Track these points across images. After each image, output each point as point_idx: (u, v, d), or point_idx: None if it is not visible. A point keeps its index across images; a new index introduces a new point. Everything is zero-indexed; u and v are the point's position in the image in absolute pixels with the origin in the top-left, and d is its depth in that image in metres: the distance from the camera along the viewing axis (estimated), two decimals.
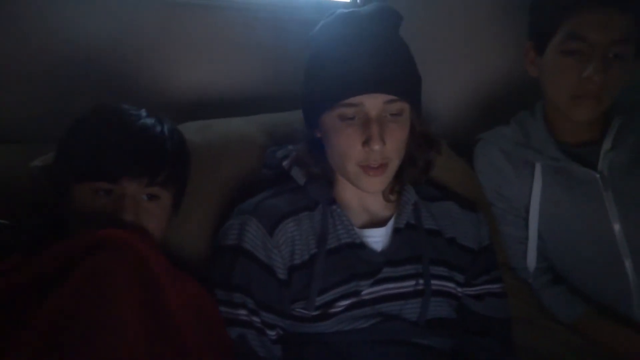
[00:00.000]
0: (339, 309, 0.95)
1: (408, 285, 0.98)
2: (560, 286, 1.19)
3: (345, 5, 1.44)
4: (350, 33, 0.93)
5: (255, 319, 0.93)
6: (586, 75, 1.08)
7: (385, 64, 0.91)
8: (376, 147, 0.90)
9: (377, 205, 1.03)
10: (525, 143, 1.22)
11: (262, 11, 1.31)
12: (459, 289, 1.04)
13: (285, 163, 1.04)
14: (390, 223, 1.02)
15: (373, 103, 0.91)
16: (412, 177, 1.03)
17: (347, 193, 1.02)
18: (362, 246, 0.98)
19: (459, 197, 1.12)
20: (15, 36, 1.14)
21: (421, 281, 0.99)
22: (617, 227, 1.13)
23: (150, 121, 0.94)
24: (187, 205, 1.06)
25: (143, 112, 0.96)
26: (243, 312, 0.93)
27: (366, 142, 0.91)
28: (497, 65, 1.43)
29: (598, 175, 1.15)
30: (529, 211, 1.20)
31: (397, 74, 0.92)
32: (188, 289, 0.86)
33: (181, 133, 1.01)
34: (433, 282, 1.00)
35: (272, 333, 0.94)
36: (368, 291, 0.96)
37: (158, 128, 0.94)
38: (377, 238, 1.00)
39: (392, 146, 0.93)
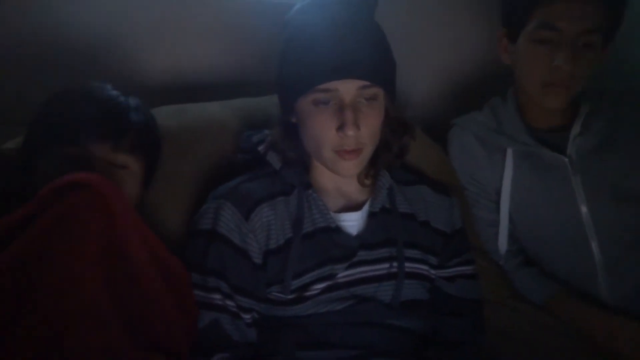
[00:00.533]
0: (315, 292, 0.96)
1: (382, 268, 1.00)
2: (531, 268, 1.22)
3: None
4: (326, 18, 0.92)
5: (230, 303, 0.93)
6: (556, 64, 1.10)
7: (360, 49, 0.91)
8: (350, 132, 0.91)
9: (353, 190, 1.04)
10: (498, 128, 1.24)
11: None
12: (432, 271, 1.06)
13: (260, 148, 1.04)
14: (366, 207, 1.03)
15: (347, 89, 0.91)
16: (387, 161, 1.05)
17: (323, 178, 1.03)
18: (338, 230, 0.99)
19: (432, 181, 1.14)
20: None
21: (395, 264, 1.00)
22: (584, 209, 1.16)
23: (114, 92, 0.98)
24: (161, 190, 1.06)
25: (108, 86, 0.99)
26: (217, 296, 0.93)
27: (340, 128, 0.91)
28: (472, 52, 1.45)
29: (567, 160, 1.18)
30: (501, 195, 1.23)
31: (372, 59, 0.92)
32: (152, 243, 0.87)
33: (149, 110, 1.03)
34: (407, 264, 1.01)
35: (247, 317, 0.95)
36: (343, 274, 0.98)
37: (121, 98, 0.97)
38: (352, 222, 1.02)
39: (366, 132, 0.93)
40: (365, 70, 0.91)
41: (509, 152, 1.22)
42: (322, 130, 0.93)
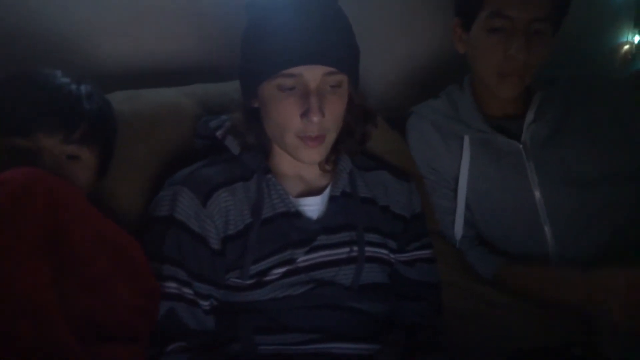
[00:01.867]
0: (274, 277, 0.95)
1: (342, 252, 1.00)
2: (482, 246, 1.24)
3: None
4: (291, 1, 0.91)
5: (187, 290, 0.92)
6: (510, 53, 1.12)
7: (327, 35, 0.90)
8: (315, 119, 0.90)
9: (313, 175, 1.04)
10: (454, 116, 1.26)
11: None
12: (392, 255, 1.06)
13: (218, 133, 1.02)
14: (326, 191, 1.03)
15: (313, 74, 0.90)
16: (349, 148, 1.05)
17: (283, 163, 1.02)
18: (298, 215, 0.99)
19: (392, 167, 1.15)
20: None
21: (355, 248, 1.01)
22: (537, 194, 1.19)
23: (65, 80, 0.94)
24: (116, 176, 1.04)
25: (59, 73, 0.95)
26: (172, 284, 0.91)
27: (305, 114, 0.91)
28: (430, 40, 1.46)
29: (521, 146, 1.20)
30: (458, 182, 1.25)
31: (338, 45, 0.91)
32: (104, 229, 0.84)
33: (103, 96, 0.99)
34: (367, 249, 1.02)
35: (205, 303, 0.94)
36: (303, 259, 0.97)
37: (73, 86, 0.93)
38: (312, 206, 1.01)
39: (330, 118, 0.93)
40: (332, 56, 0.90)
41: (466, 140, 1.23)
42: (286, 116, 0.92)
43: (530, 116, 1.22)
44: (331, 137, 0.96)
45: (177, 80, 1.21)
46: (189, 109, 1.13)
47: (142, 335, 0.87)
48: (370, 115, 1.04)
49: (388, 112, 1.35)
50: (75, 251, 0.79)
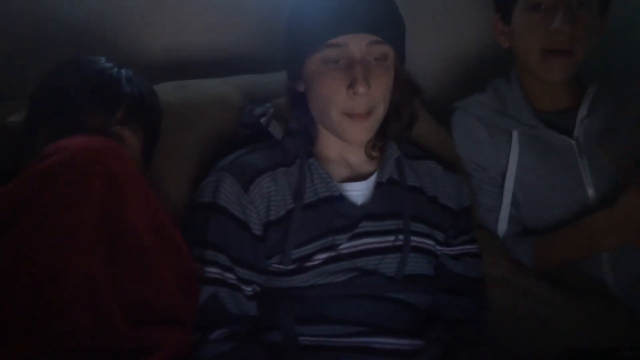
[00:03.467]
0: (315, 262, 0.94)
1: (387, 240, 0.98)
2: (523, 236, 1.21)
3: None
4: None
5: (230, 275, 0.92)
6: (555, 26, 1.09)
7: (370, 5, 0.91)
8: (361, 89, 0.89)
9: (359, 160, 1.03)
10: (502, 110, 1.23)
11: None
12: (438, 247, 1.04)
13: (263, 119, 1.03)
14: (373, 177, 1.02)
15: (357, 44, 0.90)
16: (396, 131, 1.03)
17: (328, 146, 1.01)
18: (341, 199, 0.98)
19: (441, 158, 1.13)
20: None
21: (401, 237, 0.99)
22: (591, 192, 1.14)
23: (107, 65, 0.97)
24: (163, 164, 1.06)
25: (102, 59, 0.98)
26: (214, 269, 0.92)
27: (351, 86, 0.90)
28: (476, 33, 1.43)
29: (574, 142, 1.16)
30: (505, 178, 1.21)
31: (381, 16, 0.92)
32: (157, 214, 0.86)
33: (146, 83, 1.02)
34: (412, 238, 1.00)
35: (248, 289, 0.94)
36: (346, 245, 0.96)
37: (114, 70, 0.96)
38: (357, 192, 1.00)
39: (377, 91, 0.92)
40: (376, 25, 0.90)
41: (515, 135, 1.20)
42: (332, 90, 0.92)
43: (583, 110, 1.18)
44: (379, 113, 0.95)
45: (222, 71, 1.22)
46: (234, 100, 1.14)
47: (187, 318, 0.87)
48: (418, 90, 1.02)
49: (433, 106, 1.33)
50: (129, 233, 0.81)
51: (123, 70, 0.98)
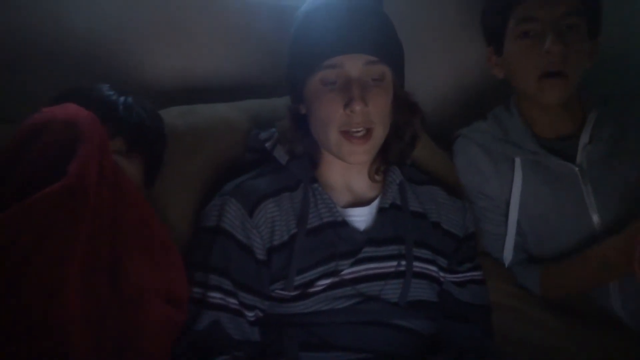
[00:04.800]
0: (318, 288, 0.94)
1: (390, 265, 0.98)
2: (528, 264, 1.20)
3: None
4: (331, 1, 0.95)
5: (232, 300, 0.92)
6: (546, 48, 1.10)
7: (366, 26, 0.93)
8: (357, 107, 0.90)
9: (362, 185, 1.03)
10: (504, 137, 1.23)
11: None
12: (441, 274, 1.04)
13: (268, 144, 1.04)
14: (375, 202, 1.02)
15: (354, 64, 0.92)
16: (398, 152, 1.03)
17: (332, 172, 1.02)
18: (344, 224, 0.98)
19: (444, 183, 1.13)
20: None
21: (403, 262, 0.99)
22: (595, 218, 1.14)
23: (108, 94, 0.98)
24: (168, 188, 1.06)
25: (105, 87, 0.99)
26: (217, 294, 0.92)
27: (347, 104, 0.91)
28: (477, 60, 1.45)
29: (577, 169, 1.16)
30: (509, 206, 1.21)
31: (378, 37, 0.94)
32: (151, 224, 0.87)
33: (149, 109, 1.02)
34: (415, 264, 0.99)
35: (250, 314, 0.93)
36: (348, 271, 0.96)
37: (113, 98, 0.97)
38: (360, 217, 1.00)
39: (375, 110, 0.93)
40: (371, 45, 0.92)
41: (517, 162, 1.20)
42: (330, 109, 0.93)
43: (585, 137, 1.18)
44: (378, 134, 0.95)
45: (230, 95, 1.23)
46: (240, 124, 1.15)
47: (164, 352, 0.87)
48: (418, 110, 1.02)
49: (435, 133, 1.33)
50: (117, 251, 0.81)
51: (122, 98, 0.98)
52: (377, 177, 1.03)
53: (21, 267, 0.74)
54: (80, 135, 0.80)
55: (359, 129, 0.93)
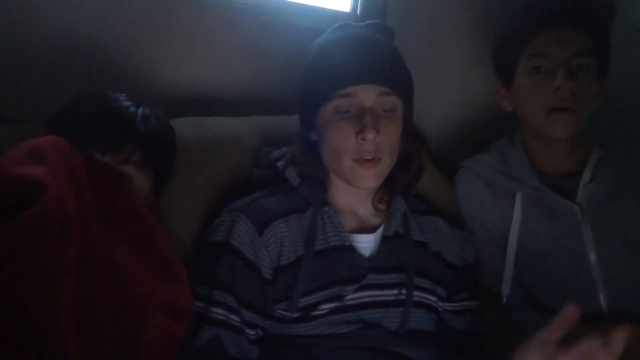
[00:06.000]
0: (321, 312, 0.94)
1: (391, 293, 0.99)
2: (528, 304, 1.20)
3: (342, 15, 1.50)
4: (349, 35, 0.99)
5: (234, 317, 0.92)
6: (556, 84, 1.12)
7: (380, 60, 0.96)
8: (370, 136, 0.92)
9: (367, 212, 1.04)
10: (506, 171, 1.24)
11: (257, 13, 1.33)
12: (440, 303, 1.05)
13: (279, 163, 1.04)
14: (380, 230, 1.03)
15: (367, 94, 0.95)
16: (404, 183, 1.05)
17: (339, 197, 1.03)
18: (351, 249, 0.99)
19: (445, 213, 1.14)
20: (11, 25, 1.13)
21: (404, 291, 0.99)
22: (593, 258, 1.15)
23: (125, 103, 0.97)
24: (174, 201, 1.06)
25: (122, 96, 0.98)
26: (220, 310, 0.91)
27: (360, 132, 0.93)
28: (482, 92, 1.47)
29: (577, 208, 1.17)
30: (508, 239, 1.22)
31: (390, 69, 0.97)
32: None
33: (163, 120, 1.02)
34: (415, 293, 1.00)
35: (251, 332, 0.93)
36: (352, 296, 0.96)
37: (131, 109, 0.96)
38: (365, 244, 1.01)
39: (385, 140, 0.95)
40: (385, 77, 0.95)
41: (518, 197, 1.21)
42: (343, 137, 0.95)
43: (587, 175, 1.19)
44: (387, 162, 0.97)
45: (237, 108, 1.24)
46: (249, 139, 1.16)
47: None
48: (425, 143, 1.06)
49: (438, 164, 1.35)
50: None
51: (140, 109, 0.97)
52: (381, 206, 1.04)
53: (17, 279, 0.72)
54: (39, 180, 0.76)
55: (370, 157, 0.95)
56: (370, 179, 0.97)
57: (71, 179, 0.78)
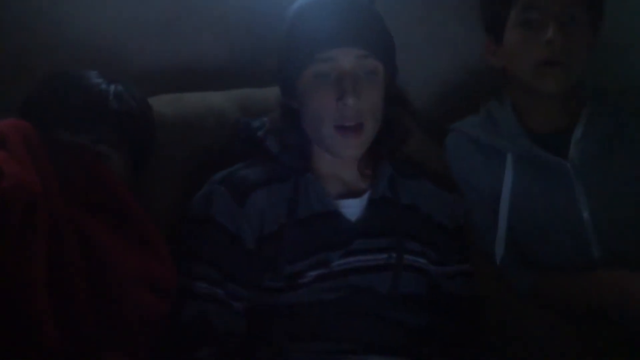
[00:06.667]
0: (308, 279, 0.93)
1: (380, 258, 0.98)
2: (520, 263, 1.19)
3: None
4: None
5: (219, 290, 0.91)
6: (547, 38, 1.11)
7: (358, 21, 0.94)
8: (350, 100, 0.91)
9: (353, 177, 1.03)
10: (495, 132, 1.23)
11: None
12: (431, 266, 1.03)
13: (259, 133, 1.03)
14: (367, 194, 1.01)
15: (346, 57, 0.93)
16: (389, 147, 1.04)
17: (322, 163, 1.01)
18: (336, 215, 0.97)
19: (435, 176, 1.13)
20: None
21: (393, 255, 0.98)
22: (585, 215, 1.14)
23: (96, 80, 0.95)
24: (155, 177, 1.05)
25: (93, 74, 0.96)
26: (204, 284, 0.91)
27: (340, 98, 0.92)
28: (468, 55, 1.45)
29: (569, 165, 1.16)
30: (500, 200, 1.21)
31: (370, 32, 0.95)
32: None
33: (138, 97, 1.00)
34: (406, 256, 0.99)
35: (237, 304, 0.92)
36: (338, 262, 0.95)
37: (103, 87, 0.94)
38: (351, 209, 1.00)
39: (366, 105, 0.93)
40: (364, 40, 0.93)
41: (509, 157, 1.20)
42: (323, 103, 0.93)
43: (578, 132, 1.18)
44: (369, 128, 0.96)
45: (221, 83, 1.22)
46: (230, 113, 1.14)
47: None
48: (409, 107, 1.05)
49: (428, 127, 1.33)
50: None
51: (112, 87, 0.96)
52: (367, 171, 1.03)
53: None
54: None
55: (352, 124, 0.94)
56: (352, 148, 0.96)
57: (33, 162, 0.77)
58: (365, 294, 0.95)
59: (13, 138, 0.79)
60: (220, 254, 0.92)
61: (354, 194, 1.01)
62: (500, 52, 1.21)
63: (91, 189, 0.85)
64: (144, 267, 0.85)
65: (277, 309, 0.94)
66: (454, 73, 1.47)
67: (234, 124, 1.11)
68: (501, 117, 1.23)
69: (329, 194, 0.99)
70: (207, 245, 0.92)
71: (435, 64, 1.46)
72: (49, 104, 0.92)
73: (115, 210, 0.86)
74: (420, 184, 1.08)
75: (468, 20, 1.35)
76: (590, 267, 1.12)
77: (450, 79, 1.47)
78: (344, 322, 0.93)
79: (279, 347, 0.91)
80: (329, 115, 0.93)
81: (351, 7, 0.95)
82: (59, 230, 0.76)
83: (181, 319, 0.89)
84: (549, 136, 1.20)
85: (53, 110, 0.90)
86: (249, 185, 0.96)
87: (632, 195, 1.13)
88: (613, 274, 1.06)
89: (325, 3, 0.96)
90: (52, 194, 0.77)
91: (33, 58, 1.16)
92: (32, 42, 1.16)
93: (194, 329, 0.89)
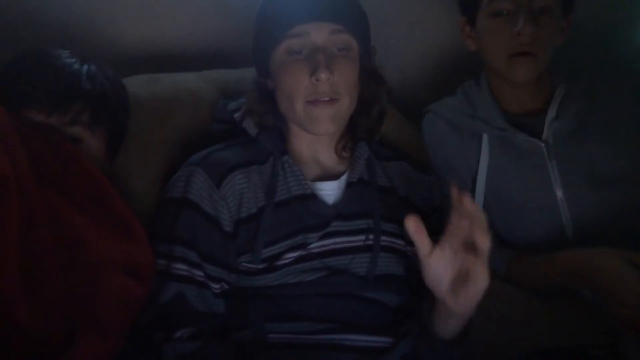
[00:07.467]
0: (286, 261, 0.94)
1: (358, 239, 0.98)
2: (495, 244, 1.20)
3: None
4: None
5: (198, 272, 0.91)
6: (517, 30, 1.11)
7: None
8: (323, 75, 0.90)
9: (330, 160, 1.03)
10: (472, 113, 1.24)
11: None
12: (409, 248, 1.04)
13: (237, 115, 1.02)
14: (344, 177, 1.02)
15: (318, 32, 0.92)
16: (366, 128, 1.03)
17: (300, 145, 1.01)
18: (313, 197, 0.97)
19: (411, 158, 1.13)
20: None
21: (371, 236, 0.99)
22: (559, 194, 1.15)
23: (69, 60, 0.92)
24: (132, 159, 1.04)
25: (65, 53, 0.94)
26: (182, 266, 0.90)
27: (313, 73, 0.91)
28: (446, 36, 1.45)
29: (543, 145, 1.17)
30: (476, 182, 1.22)
31: (342, 7, 0.94)
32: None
33: (113, 78, 0.98)
34: (383, 238, 1.00)
35: (216, 286, 0.92)
36: (316, 244, 0.96)
37: (75, 66, 0.92)
38: (328, 191, 1.00)
39: (340, 80, 0.93)
40: (336, 14, 0.93)
41: (485, 138, 1.21)
42: (295, 79, 0.92)
43: (552, 112, 1.19)
44: (344, 104, 0.95)
45: (198, 64, 1.21)
46: (207, 94, 1.13)
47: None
48: (385, 82, 1.03)
49: (405, 109, 1.33)
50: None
51: (85, 67, 0.93)
52: (345, 154, 1.03)
53: None
54: None
55: (326, 99, 0.93)
56: (326, 121, 0.94)
57: (2, 143, 0.75)
58: (344, 276, 0.96)
59: None
60: (198, 235, 0.92)
61: (331, 176, 1.02)
62: (474, 35, 1.21)
63: (64, 171, 0.83)
64: (120, 250, 0.84)
65: (256, 290, 0.94)
66: (429, 53, 1.47)
67: (210, 105, 1.10)
68: (478, 98, 1.24)
69: (307, 176, 0.99)
70: (185, 227, 0.92)
71: (411, 45, 1.46)
72: (19, 85, 0.89)
73: (89, 192, 0.84)
74: (398, 165, 1.09)
75: (446, 3, 1.35)
76: (564, 246, 1.13)
77: (426, 60, 1.48)
78: (323, 302, 0.93)
79: (256, 328, 0.91)
80: (302, 91, 0.92)
81: None
82: (30, 211, 0.74)
83: (160, 300, 0.89)
84: (524, 117, 1.21)
85: (24, 91, 0.88)
86: (227, 166, 0.96)
87: (605, 174, 1.15)
88: (586, 252, 1.07)
89: None
90: (23, 175, 0.76)
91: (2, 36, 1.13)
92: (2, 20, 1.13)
93: (173, 310, 0.89)
